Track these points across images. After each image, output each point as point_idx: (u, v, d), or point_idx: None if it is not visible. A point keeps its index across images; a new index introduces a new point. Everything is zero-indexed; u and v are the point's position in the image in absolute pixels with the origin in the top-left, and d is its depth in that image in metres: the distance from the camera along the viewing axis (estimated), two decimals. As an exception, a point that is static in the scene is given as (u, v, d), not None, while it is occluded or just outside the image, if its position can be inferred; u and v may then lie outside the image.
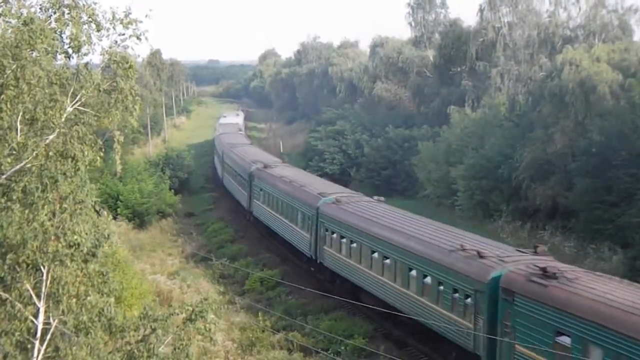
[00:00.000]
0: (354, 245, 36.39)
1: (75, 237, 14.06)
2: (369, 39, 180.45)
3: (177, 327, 15.71)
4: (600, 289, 23.43)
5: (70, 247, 14.09)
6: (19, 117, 14.50)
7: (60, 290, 14.29)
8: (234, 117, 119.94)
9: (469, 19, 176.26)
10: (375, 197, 43.54)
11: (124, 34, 15.65)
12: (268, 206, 51.93)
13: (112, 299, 15.35)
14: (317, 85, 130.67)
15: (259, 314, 36.69)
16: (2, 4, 15.11)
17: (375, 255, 34.78)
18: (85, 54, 15.46)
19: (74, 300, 14.47)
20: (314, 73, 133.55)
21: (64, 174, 14.35)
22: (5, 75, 14.28)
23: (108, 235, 15.12)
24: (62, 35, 15.37)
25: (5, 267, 14.15)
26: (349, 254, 37.49)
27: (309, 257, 43.23)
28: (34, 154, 14.30)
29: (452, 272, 28.37)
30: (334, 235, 38.82)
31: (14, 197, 14.09)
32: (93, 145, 15.22)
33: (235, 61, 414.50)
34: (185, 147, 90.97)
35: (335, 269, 39.35)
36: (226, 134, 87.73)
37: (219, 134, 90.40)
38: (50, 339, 14.55)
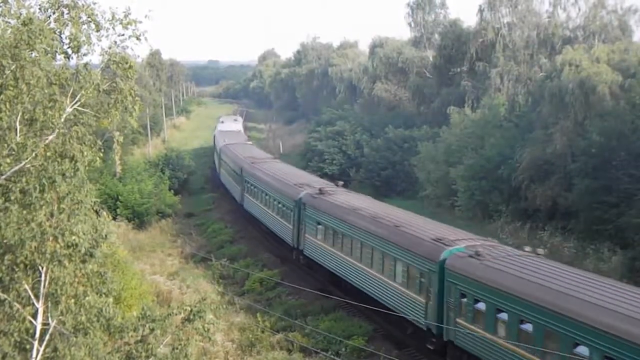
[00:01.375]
0: (330, 231, 39.89)
1: (74, 237, 14.05)
2: (368, 39, 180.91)
3: (176, 327, 15.71)
4: (509, 263, 26.96)
5: (69, 247, 14.08)
6: (18, 118, 14.50)
7: (59, 291, 14.29)
8: (232, 123, 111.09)
9: (469, 20, 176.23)
10: (340, 183, 49.59)
11: (123, 35, 15.64)
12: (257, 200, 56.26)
13: (111, 299, 15.35)
14: (316, 86, 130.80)
15: (259, 314, 36.70)
16: (1, 4, 15.10)
17: (347, 240, 37.67)
18: (85, 54, 15.46)
19: (73, 300, 14.46)
20: (314, 73, 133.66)
21: (63, 174, 14.35)
22: (4, 76, 14.26)
23: (106, 236, 15.11)
24: (62, 35, 15.36)
25: (4, 267, 14.15)
26: (325, 240, 40.47)
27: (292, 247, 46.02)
28: (33, 154, 14.29)
29: (410, 253, 31.51)
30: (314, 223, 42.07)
31: (12, 198, 14.08)
32: (92, 145, 15.20)
33: (235, 61, 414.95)
34: (187, 153, 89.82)
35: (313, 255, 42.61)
36: (233, 145, 75.94)
37: (223, 145, 77.11)
38: (48, 340, 14.54)
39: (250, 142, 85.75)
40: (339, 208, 39.65)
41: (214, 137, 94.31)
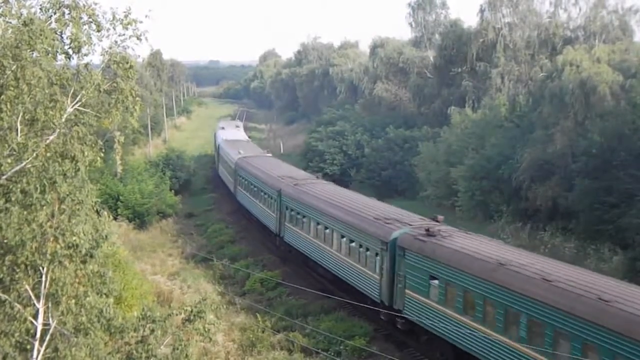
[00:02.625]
0: (305, 219, 43.76)
1: (74, 238, 14.06)
2: (369, 39, 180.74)
3: (177, 327, 15.71)
4: (463, 243, 30.00)
5: (69, 248, 14.08)
6: (19, 118, 14.49)
7: (59, 291, 14.29)
8: (234, 130, 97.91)
9: (470, 20, 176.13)
10: (317, 175, 54.84)
11: (124, 35, 15.65)
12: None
13: (111, 300, 15.36)
14: (317, 86, 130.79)
15: (259, 314, 36.68)
16: (2, 4, 15.11)
17: (319, 225, 41.55)
18: (86, 55, 15.47)
19: (73, 301, 14.46)
20: (315, 74, 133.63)
21: (64, 174, 14.35)
22: (5, 76, 14.27)
23: (107, 236, 15.11)
24: (63, 35, 15.36)
25: (4, 268, 14.15)
26: (302, 227, 44.36)
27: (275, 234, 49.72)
28: (34, 154, 14.28)
29: (365, 234, 35.72)
30: (292, 212, 45.68)
31: (13, 199, 14.08)
32: (93, 145, 15.21)
33: (235, 62, 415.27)
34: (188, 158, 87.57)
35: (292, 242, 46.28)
36: (252, 158, 64.48)
37: (239, 159, 64.45)
38: (49, 340, 14.54)
39: (270, 154, 72.04)
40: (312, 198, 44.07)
41: (218, 147, 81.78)
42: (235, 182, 64.11)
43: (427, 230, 31.81)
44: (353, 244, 36.99)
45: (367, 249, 35.35)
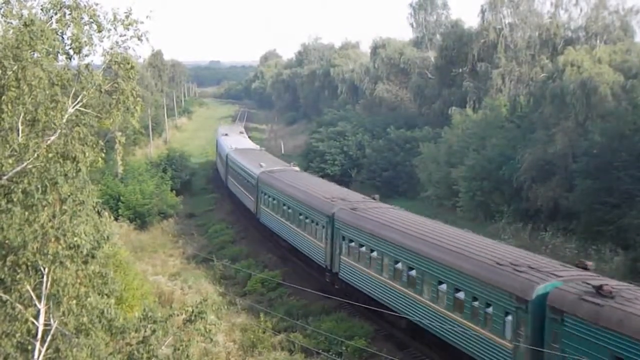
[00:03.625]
0: (275, 201, 48.46)
1: (75, 238, 14.06)
2: (370, 40, 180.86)
3: (178, 328, 15.70)
4: (373, 214, 37.77)
5: (71, 248, 14.08)
6: (20, 118, 14.50)
7: (61, 292, 14.29)
8: (238, 136, 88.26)
9: (471, 20, 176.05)
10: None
11: (125, 35, 15.66)
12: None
13: (113, 300, 15.35)
14: (318, 87, 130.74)
15: (260, 315, 36.66)
16: (3, 4, 15.11)
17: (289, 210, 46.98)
18: (87, 55, 15.48)
19: (75, 301, 14.46)
20: (315, 74, 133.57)
21: (65, 175, 14.35)
22: (6, 76, 14.27)
23: (108, 237, 15.11)
24: (63, 36, 15.37)
25: (6, 268, 14.15)
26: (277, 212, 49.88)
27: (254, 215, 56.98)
28: (35, 154, 14.29)
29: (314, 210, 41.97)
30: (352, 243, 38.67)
31: (15, 199, 14.08)
32: (94, 146, 15.21)
33: (236, 62, 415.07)
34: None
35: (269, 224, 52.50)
36: (280, 172, 55.46)
37: (261, 173, 55.55)
38: (50, 340, 14.54)
39: (297, 167, 61.47)
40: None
41: (227, 158, 70.88)
42: (257, 201, 54.43)
43: (598, 288, 22.56)
44: (461, 296, 28.20)
45: (488, 305, 26.42)
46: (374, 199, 43.59)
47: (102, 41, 15.60)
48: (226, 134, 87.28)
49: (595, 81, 50.38)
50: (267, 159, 63.46)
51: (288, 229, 47.27)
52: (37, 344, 14.42)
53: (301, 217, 44.29)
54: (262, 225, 54.66)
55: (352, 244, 37.32)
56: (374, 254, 34.96)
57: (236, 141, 79.36)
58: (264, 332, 34.64)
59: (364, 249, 36.08)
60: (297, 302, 40.33)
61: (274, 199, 50.13)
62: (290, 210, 46.66)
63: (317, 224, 41.68)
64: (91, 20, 15.40)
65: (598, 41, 63.88)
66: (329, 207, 40.19)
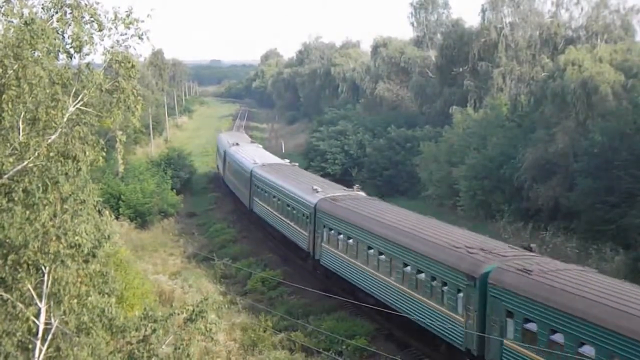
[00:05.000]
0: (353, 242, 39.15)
1: (77, 237, 14.06)
2: (371, 39, 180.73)
3: (178, 327, 15.71)
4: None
5: (72, 247, 14.08)
6: (21, 117, 14.49)
7: (62, 291, 14.30)
8: (250, 146, 74.72)
9: (471, 20, 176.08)
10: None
11: (125, 34, 15.65)
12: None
13: (113, 299, 15.36)
14: (319, 86, 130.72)
15: (261, 314, 36.69)
16: (3, 3, 15.10)
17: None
18: (87, 54, 15.46)
19: (75, 300, 14.47)
20: (316, 73, 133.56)
21: (66, 174, 14.35)
22: (6, 75, 14.27)
23: (109, 236, 15.11)
24: (64, 34, 15.36)
25: (7, 267, 14.16)
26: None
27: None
28: (36, 153, 14.29)
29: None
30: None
31: (15, 198, 14.08)
32: (95, 145, 15.20)
33: (237, 61, 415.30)
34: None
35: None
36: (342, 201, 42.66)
37: (321, 200, 43.14)
38: (51, 339, 14.55)
39: (361, 191, 47.86)
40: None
41: (252, 176, 57.41)
42: (315, 237, 42.37)
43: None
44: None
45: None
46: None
47: (102, 40, 15.59)
48: (236, 144, 73.24)
49: (596, 80, 50.35)
50: (316, 181, 50.31)
51: (387, 286, 34.09)
52: (38, 343, 14.43)
53: (408, 269, 32.26)
54: (319, 263, 42.59)
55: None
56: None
57: (254, 153, 66.99)
58: (264, 331, 34.65)
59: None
60: (297, 301, 40.35)
61: (349, 238, 38.01)
62: (386, 261, 34.27)
63: (449, 291, 29.40)
64: (92, 19, 15.39)
65: (599, 40, 63.86)
66: (474, 266, 28.00)
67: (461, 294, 27.94)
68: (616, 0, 75.87)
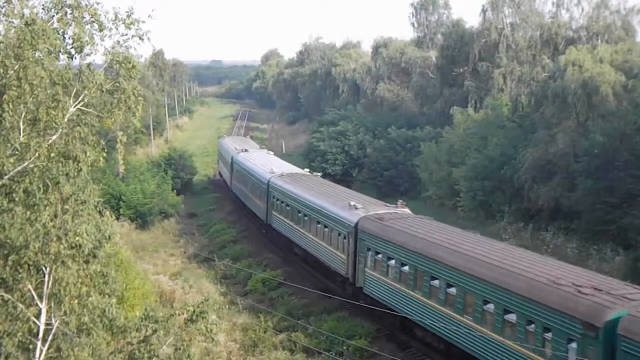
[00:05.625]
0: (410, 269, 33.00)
1: (77, 238, 14.06)
2: (371, 39, 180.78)
3: (179, 327, 15.71)
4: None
5: (72, 248, 14.08)
6: (22, 118, 14.50)
7: (62, 291, 14.30)
8: (260, 153, 69.48)
9: (472, 20, 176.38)
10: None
11: (126, 34, 15.65)
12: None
13: (114, 300, 15.37)
14: (319, 86, 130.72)
15: (261, 314, 36.68)
16: (4, 4, 15.11)
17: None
18: (88, 54, 15.47)
19: (76, 301, 14.47)
20: (317, 74, 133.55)
21: (66, 174, 14.35)
22: (7, 76, 14.27)
23: (109, 236, 15.11)
24: (65, 35, 15.36)
25: (7, 268, 14.16)
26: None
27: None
28: (37, 154, 14.29)
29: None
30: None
31: (16, 199, 14.08)
32: (95, 145, 15.21)
33: (237, 61, 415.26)
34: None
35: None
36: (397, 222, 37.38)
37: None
38: (52, 340, 14.55)
39: (406, 207, 40.47)
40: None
41: (270, 188, 52.03)
42: (357, 262, 36.87)
43: None
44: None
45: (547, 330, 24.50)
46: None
47: (103, 40, 15.61)
48: (245, 150, 68.60)
49: (597, 81, 50.31)
50: (350, 195, 44.53)
51: (458, 325, 28.88)
52: (39, 344, 14.44)
53: (490, 307, 27.24)
54: (362, 293, 36.96)
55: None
56: (406, 268, 32.58)
57: (268, 161, 62.14)
58: (265, 332, 34.65)
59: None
60: (298, 301, 40.33)
61: (403, 265, 32.72)
62: (458, 295, 28.92)
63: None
64: (92, 19, 15.40)
65: (599, 41, 63.78)
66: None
67: (574, 345, 22.58)
68: (617, 0, 76.29)
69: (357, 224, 36.89)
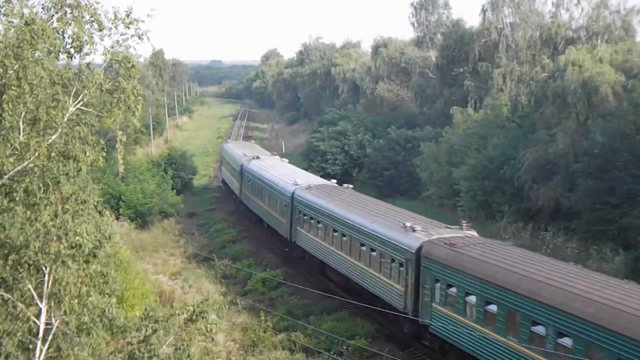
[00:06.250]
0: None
1: (77, 238, 14.05)
2: (371, 39, 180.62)
3: (179, 327, 15.71)
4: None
5: (72, 247, 14.08)
6: (22, 117, 14.49)
7: (62, 291, 14.30)
8: (274, 161, 62.61)
9: (472, 20, 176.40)
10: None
11: (126, 34, 15.66)
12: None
13: (114, 300, 15.37)
14: (319, 86, 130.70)
15: (261, 314, 36.68)
16: (4, 3, 15.10)
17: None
18: (87, 54, 15.47)
19: (76, 300, 14.47)
20: (317, 73, 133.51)
21: (67, 174, 14.35)
22: (7, 75, 14.27)
23: (109, 236, 15.11)
24: (64, 34, 15.36)
25: (7, 267, 14.15)
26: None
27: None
28: (36, 154, 14.29)
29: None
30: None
31: (17, 198, 14.08)
32: (95, 145, 15.21)
33: (237, 61, 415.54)
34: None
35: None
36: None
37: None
38: (52, 340, 14.55)
39: (471, 229, 35.39)
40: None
41: (292, 201, 46.95)
42: (422, 296, 31.05)
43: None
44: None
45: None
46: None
47: (103, 40, 15.62)
48: (256, 157, 62.97)
49: (597, 81, 50.30)
50: (398, 213, 38.75)
51: None
52: (39, 343, 14.43)
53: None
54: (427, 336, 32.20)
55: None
56: (493, 308, 26.99)
57: (287, 170, 56.40)
58: (264, 332, 34.65)
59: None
60: (298, 301, 40.32)
61: (487, 303, 27.10)
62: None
63: None
64: (92, 19, 15.41)
65: (599, 41, 63.76)
66: None
67: None
68: (616, 0, 76.33)
69: (419, 250, 31.23)
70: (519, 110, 63.26)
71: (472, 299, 27.69)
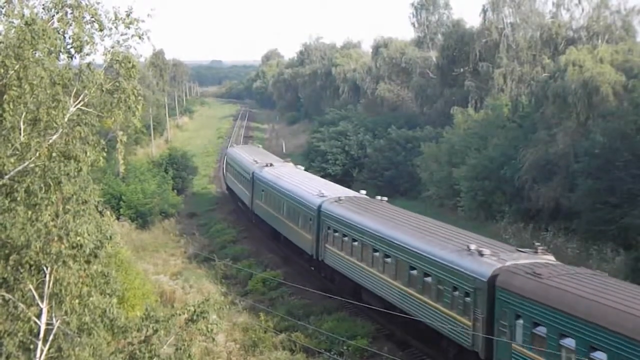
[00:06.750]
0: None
1: (78, 238, 14.06)
2: (371, 39, 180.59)
3: (179, 327, 15.71)
4: None
5: (73, 248, 14.08)
6: (22, 118, 14.50)
7: (63, 291, 14.30)
8: (285, 168, 58.20)
9: (472, 20, 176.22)
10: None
11: (126, 34, 15.66)
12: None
13: (115, 300, 15.37)
14: (319, 86, 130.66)
15: (262, 314, 36.69)
16: (4, 4, 15.11)
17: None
18: (88, 54, 15.48)
19: (77, 300, 14.47)
20: (317, 74, 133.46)
21: (67, 174, 14.35)
22: (8, 76, 14.27)
23: (110, 236, 15.11)
24: (65, 35, 15.37)
25: (9, 268, 14.16)
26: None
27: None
28: (37, 154, 14.29)
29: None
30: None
31: (18, 198, 14.08)
32: (96, 145, 15.22)
33: (238, 62, 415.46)
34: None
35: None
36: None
37: None
38: (53, 340, 14.55)
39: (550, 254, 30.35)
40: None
41: (319, 214, 42.61)
42: (497, 333, 26.45)
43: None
44: None
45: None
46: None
47: (103, 40, 15.63)
48: (270, 164, 58.37)
49: (597, 81, 50.28)
50: (455, 233, 34.11)
51: None
52: (39, 344, 14.43)
53: None
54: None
55: None
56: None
57: (308, 180, 52.62)
58: (265, 332, 34.65)
59: None
60: (298, 301, 40.34)
61: (593, 349, 22.06)
62: None
63: None
64: (92, 19, 15.42)
65: (600, 41, 63.74)
66: None
67: None
68: (617, 0, 76.14)
69: (492, 278, 26.83)
70: (520, 111, 63.24)
71: (568, 342, 22.65)
